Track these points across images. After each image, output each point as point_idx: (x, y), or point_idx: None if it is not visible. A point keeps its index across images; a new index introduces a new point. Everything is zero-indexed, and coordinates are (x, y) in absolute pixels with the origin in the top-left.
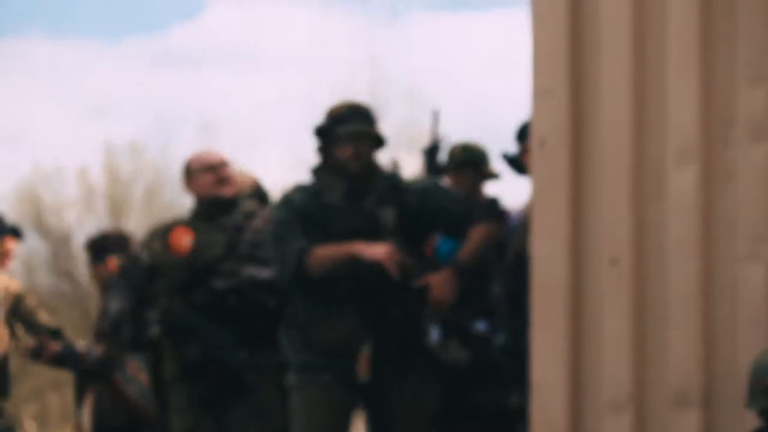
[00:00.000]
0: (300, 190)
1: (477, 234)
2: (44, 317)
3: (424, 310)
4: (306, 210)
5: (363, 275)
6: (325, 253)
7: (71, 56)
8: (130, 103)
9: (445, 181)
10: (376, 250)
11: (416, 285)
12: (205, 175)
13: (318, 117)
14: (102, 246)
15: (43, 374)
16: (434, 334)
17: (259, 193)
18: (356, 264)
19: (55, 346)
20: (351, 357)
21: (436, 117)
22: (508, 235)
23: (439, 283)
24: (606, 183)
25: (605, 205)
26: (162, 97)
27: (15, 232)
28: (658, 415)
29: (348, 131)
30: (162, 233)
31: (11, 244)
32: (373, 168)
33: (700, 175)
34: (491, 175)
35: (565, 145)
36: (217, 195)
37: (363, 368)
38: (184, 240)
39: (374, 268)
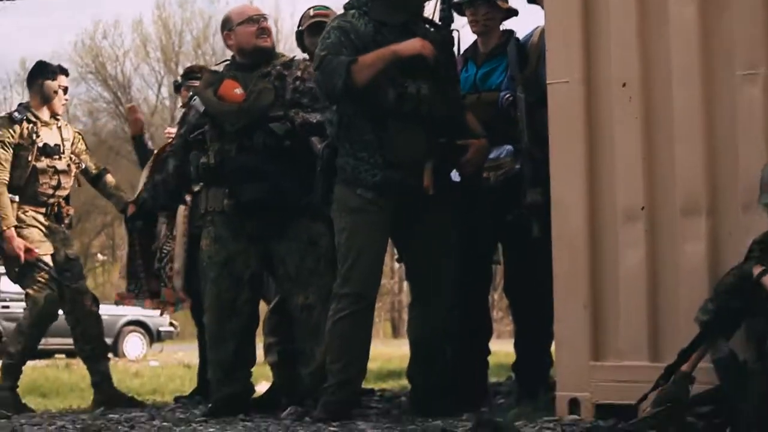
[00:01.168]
0: (356, 17)
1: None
2: (91, 160)
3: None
4: (364, 36)
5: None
6: (368, 59)
7: None
8: None
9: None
10: (413, 44)
11: (458, 142)
12: (246, 27)
13: None
14: (186, 74)
15: (110, 209)
16: (454, 175)
17: None
18: (398, 61)
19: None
20: (419, 175)
21: None
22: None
23: (477, 149)
24: (614, 14)
25: (614, 34)
26: None
27: (63, 71)
28: (668, 223)
29: None
30: (211, 84)
31: (65, 82)
32: None
33: (699, 5)
34: (509, 11)
35: None
36: (257, 45)
37: (429, 182)
38: (235, 90)
39: (416, 60)
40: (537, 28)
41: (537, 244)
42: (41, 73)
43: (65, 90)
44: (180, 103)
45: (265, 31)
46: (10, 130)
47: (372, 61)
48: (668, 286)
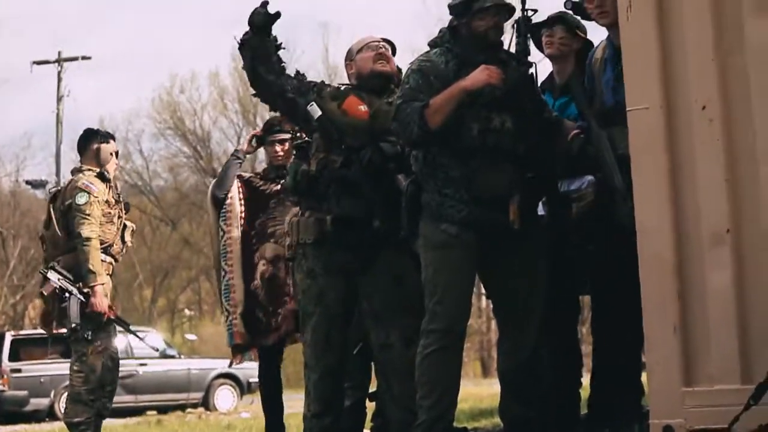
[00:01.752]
0: (438, 54)
1: None
2: None
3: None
4: (444, 76)
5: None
6: (438, 101)
7: None
8: None
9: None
10: (478, 76)
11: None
12: (365, 53)
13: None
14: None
15: (195, 264)
16: (541, 209)
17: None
18: (471, 96)
19: None
20: (504, 210)
21: None
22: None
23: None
24: (689, 36)
25: (691, 57)
26: (282, 2)
27: (111, 136)
28: (755, 244)
29: (493, 3)
30: (335, 98)
31: (114, 146)
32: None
33: None
34: (586, 43)
35: (650, 7)
36: (374, 69)
37: (515, 216)
38: (359, 106)
39: (487, 92)
40: (600, 43)
41: (623, 273)
42: (95, 138)
43: (116, 154)
44: (266, 158)
45: (382, 57)
46: (104, 188)
47: (442, 102)
48: (757, 308)
